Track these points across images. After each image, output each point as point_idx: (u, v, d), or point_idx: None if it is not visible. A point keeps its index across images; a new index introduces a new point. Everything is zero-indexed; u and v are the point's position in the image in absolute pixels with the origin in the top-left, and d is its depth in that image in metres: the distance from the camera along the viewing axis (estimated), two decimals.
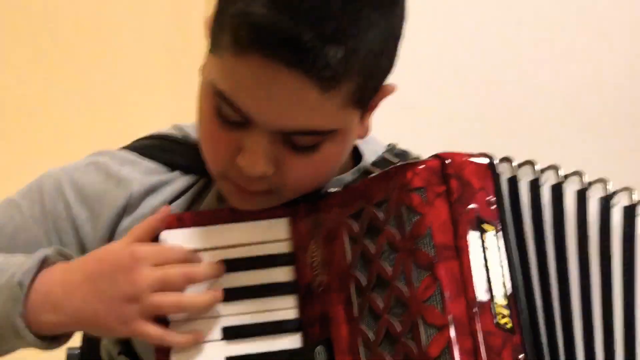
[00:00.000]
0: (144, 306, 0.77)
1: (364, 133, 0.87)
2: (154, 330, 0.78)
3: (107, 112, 1.76)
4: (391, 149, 0.97)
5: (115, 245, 0.81)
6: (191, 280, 0.79)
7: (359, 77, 0.75)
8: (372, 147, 0.95)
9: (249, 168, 0.77)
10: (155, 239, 0.83)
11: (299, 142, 0.78)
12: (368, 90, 0.79)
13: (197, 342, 0.80)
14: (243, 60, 0.74)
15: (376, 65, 0.78)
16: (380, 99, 0.85)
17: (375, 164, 0.91)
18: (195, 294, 0.80)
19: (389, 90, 0.84)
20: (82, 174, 0.90)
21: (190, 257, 0.81)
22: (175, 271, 0.78)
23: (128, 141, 0.96)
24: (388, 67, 0.81)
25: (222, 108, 0.78)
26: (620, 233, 0.79)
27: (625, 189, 0.81)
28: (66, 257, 0.83)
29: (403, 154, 0.95)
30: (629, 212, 0.80)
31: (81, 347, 1.07)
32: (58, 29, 1.72)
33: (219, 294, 0.80)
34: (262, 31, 0.72)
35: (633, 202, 0.81)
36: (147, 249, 0.79)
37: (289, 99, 0.74)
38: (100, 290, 0.77)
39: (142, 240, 0.80)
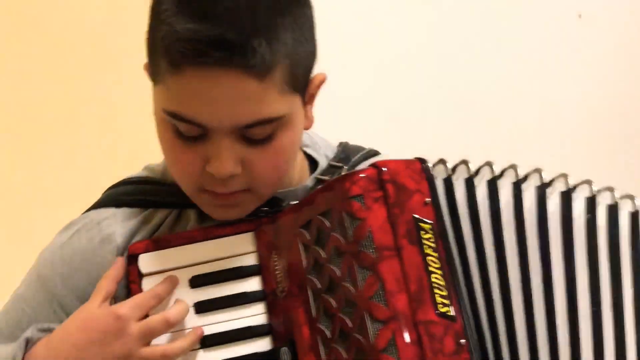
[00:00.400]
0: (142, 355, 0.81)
1: (309, 124, 0.90)
2: None
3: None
4: (340, 150, 0.99)
5: (93, 311, 0.82)
6: (171, 325, 0.81)
7: (286, 61, 0.79)
8: (324, 151, 0.98)
9: (219, 171, 0.80)
10: (135, 261, 0.86)
11: (255, 135, 0.81)
12: (299, 74, 0.83)
13: None
14: (182, 76, 0.78)
15: (298, 50, 0.81)
16: (315, 88, 0.89)
17: (323, 173, 0.94)
18: (179, 341, 0.82)
19: (320, 79, 0.88)
20: (69, 247, 0.91)
21: (164, 293, 0.84)
22: (157, 320, 0.81)
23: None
24: (311, 52, 0.85)
25: (179, 128, 0.81)
26: (559, 219, 0.81)
27: (562, 175, 0.83)
28: (47, 330, 0.85)
29: (351, 155, 0.97)
30: (566, 198, 0.81)
31: None
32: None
33: (200, 331, 0.83)
34: (190, 43, 0.76)
35: (569, 188, 0.82)
36: (128, 307, 0.81)
37: (232, 97, 0.78)
38: (92, 358, 0.80)
39: (110, 293, 0.83)
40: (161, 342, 0.83)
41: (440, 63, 2.31)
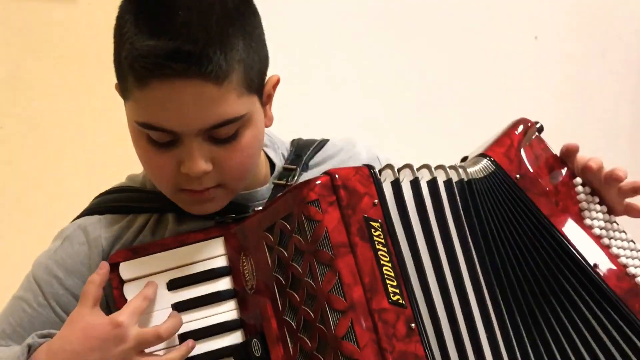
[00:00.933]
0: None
1: (269, 122, 0.93)
2: None
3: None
4: (292, 151, 1.02)
5: (90, 319, 0.82)
6: (163, 340, 0.83)
7: (240, 66, 0.82)
8: (281, 150, 1.01)
9: (192, 170, 0.83)
10: (116, 269, 0.87)
11: (221, 134, 0.84)
12: (253, 76, 0.86)
13: None
14: (147, 89, 0.81)
15: (250, 55, 0.84)
16: (271, 88, 0.92)
17: (279, 177, 0.97)
18: (173, 352, 0.84)
19: (275, 80, 0.92)
20: (62, 252, 0.93)
21: (152, 294, 0.85)
22: (151, 333, 0.82)
23: None
24: (263, 56, 0.88)
25: (151, 136, 0.84)
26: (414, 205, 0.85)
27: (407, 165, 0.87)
28: (48, 336, 0.86)
29: (302, 153, 1.00)
30: (414, 185, 0.85)
31: None
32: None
33: (192, 343, 0.84)
34: (150, 58, 0.79)
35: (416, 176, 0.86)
36: (126, 314, 0.82)
37: (196, 102, 0.81)
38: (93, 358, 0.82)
39: (98, 298, 0.84)
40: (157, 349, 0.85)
41: (420, 80, 2.35)
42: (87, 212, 0.96)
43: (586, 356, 0.86)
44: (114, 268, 0.88)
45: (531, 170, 0.89)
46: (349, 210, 0.79)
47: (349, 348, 0.75)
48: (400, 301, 0.77)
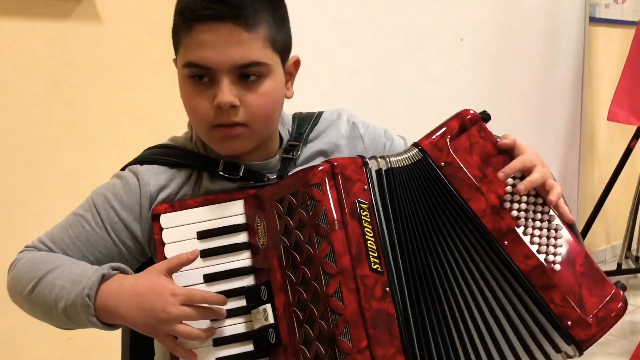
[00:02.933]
0: (169, 329, 0.84)
1: (290, 94, 0.97)
2: (169, 343, 0.85)
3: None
4: (294, 128, 1.02)
5: (160, 280, 0.85)
6: (199, 319, 0.85)
7: (267, 24, 0.88)
8: (286, 126, 1.03)
9: (222, 100, 0.87)
10: (157, 219, 0.90)
11: (249, 73, 0.88)
12: (277, 40, 0.90)
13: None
14: (193, 32, 0.86)
15: (276, 23, 0.90)
16: (292, 65, 0.97)
17: (285, 151, 0.99)
18: (202, 330, 0.85)
19: (295, 59, 0.97)
20: (119, 189, 0.94)
21: (189, 262, 0.87)
22: (193, 312, 0.84)
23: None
24: (286, 31, 0.93)
25: (193, 75, 0.88)
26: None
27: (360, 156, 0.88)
28: (119, 269, 0.88)
29: (302, 128, 1.02)
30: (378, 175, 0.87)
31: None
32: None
33: (213, 331, 0.86)
34: (196, 7, 0.85)
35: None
36: (183, 292, 0.84)
37: (228, 42, 0.86)
38: (143, 308, 0.84)
39: (174, 269, 0.86)
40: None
41: (369, 75, 2.40)
42: (138, 161, 0.97)
43: (490, 319, 0.85)
44: (156, 218, 0.90)
45: (457, 158, 0.87)
46: (344, 193, 0.83)
47: (336, 304, 0.79)
48: (379, 269, 0.81)
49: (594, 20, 3.39)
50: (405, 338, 0.80)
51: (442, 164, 0.87)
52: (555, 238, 0.86)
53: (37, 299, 0.89)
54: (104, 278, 0.85)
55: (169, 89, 1.90)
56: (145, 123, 1.85)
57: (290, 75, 0.96)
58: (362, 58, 2.36)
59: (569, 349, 0.84)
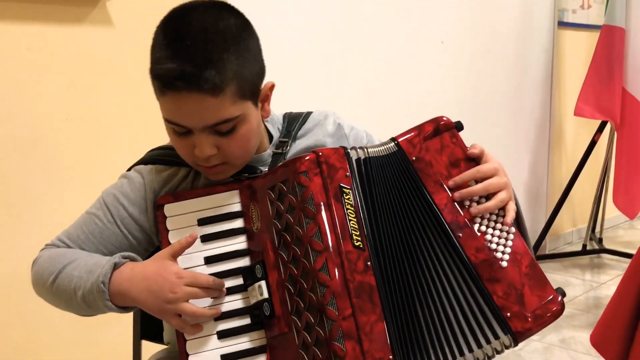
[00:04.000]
0: (175, 309, 0.84)
1: (266, 114, 0.94)
2: (176, 322, 0.85)
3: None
4: (284, 126, 1.01)
5: (167, 264, 0.85)
6: (203, 297, 0.85)
7: (234, 82, 0.84)
8: (276, 125, 1.02)
9: (201, 154, 0.87)
10: (162, 208, 0.91)
11: (222, 129, 0.86)
12: (246, 87, 0.87)
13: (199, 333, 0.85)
14: (165, 97, 0.86)
15: (243, 72, 0.85)
16: (267, 90, 0.93)
17: (276, 147, 0.98)
18: (206, 309, 0.85)
19: (269, 85, 0.93)
20: (126, 187, 0.95)
21: (188, 245, 0.87)
22: (198, 292, 0.85)
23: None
24: (257, 71, 0.89)
25: (173, 127, 0.88)
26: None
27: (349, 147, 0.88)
28: (129, 258, 0.89)
29: (291, 126, 1.01)
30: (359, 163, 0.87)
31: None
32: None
33: (219, 310, 0.86)
34: (165, 77, 0.83)
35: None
36: (187, 274, 0.85)
37: (199, 108, 0.84)
38: (152, 290, 0.84)
39: (178, 253, 0.86)
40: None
41: (357, 75, 2.39)
42: (142, 161, 0.98)
43: (443, 297, 0.84)
44: (160, 208, 0.90)
45: (427, 155, 0.87)
46: (328, 180, 0.84)
47: (324, 278, 0.80)
48: (361, 246, 0.82)
49: (562, 24, 3.39)
50: (385, 306, 0.80)
51: (414, 158, 0.87)
52: (506, 239, 0.86)
53: (58, 290, 0.90)
54: (115, 266, 0.86)
55: None
56: (154, 120, 1.84)
57: (266, 97, 0.94)
58: (350, 59, 2.37)
59: (506, 339, 0.83)
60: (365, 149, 0.87)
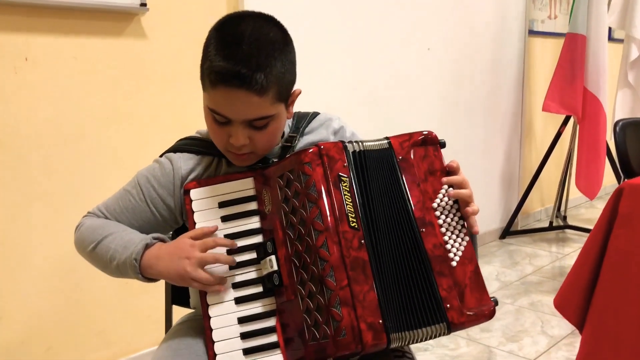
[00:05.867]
0: (193, 275, 0.84)
1: (290, 116, 0.93)
2: (197, 285, 0.84)
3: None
4: (294, 123, 1.00)
5: (184, 238, 0.86)
6: (216, 261, 0.85)
7: (276, 87, 0.84)
8: (288, 123, 1.00)
9: (236, 142, 0.86)
10: (188, 193, 0.89)
11: (258, 124, 0.86)
12: (284, 93, 0.87)
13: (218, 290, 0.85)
14: (216, 91, 0.83)
15: (283, 79, 0.85)
16: (294, 98, 0.92)
17: (286, 140, 0.97)
18: (218, 277, 0.84)
19: (297, 93, 0.92)
20: (157, 171, 0.94)
21: (210, 232, 0.86)
22: (209, 256, 0.84)
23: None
24: (291, 80, 0.88)
25: (214, 116, 0.86)
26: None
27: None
28: (159, 239, 0.89)
29: (299, 123, 0.99)
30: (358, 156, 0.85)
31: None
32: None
33: (226, 281, 0.85)
34: (221, 74, 0.81)
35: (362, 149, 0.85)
36: (196, 242, 0.85)
37: (244, 104, 0.83)
38: (173, 261, 0.85)
39: (199, 237, 0.86)
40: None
41: (352, 78, 2.35)
42: (172, 149, 0.97)
43: (410, 279, 0.83)
44: (187, 192, 0.90)
45: (412, 158, 0.87)
46: (329, 169, 0.82)
47: (324, 254, 0.79)
48: (356, 227, 0.81)
49: (532, 32, 3.36)
50: (376, 278, 0.80)
51: (400, 157, 0.87)
52: (460, 244, 0.86)
53: (96, 256, 0.91)
54: (147, 246, 0.87)
55: (200, 91, 1.91)
56: (181, 118, 1.86)
57: (292, 103, 0.93)
58: (346, 65, 2.35)
59: (441, 326, 0.81)
60: (361, 143, 0.86)
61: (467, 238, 0.87)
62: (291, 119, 1.01)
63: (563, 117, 3.21)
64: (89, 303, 1.73)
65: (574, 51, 2.95)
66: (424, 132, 0.90)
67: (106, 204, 0.95)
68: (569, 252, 3.08)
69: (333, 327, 0.77)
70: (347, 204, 0.81)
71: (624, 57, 3.16)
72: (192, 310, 1.08)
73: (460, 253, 0.85)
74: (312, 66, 2.19)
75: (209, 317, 0.85)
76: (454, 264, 0.84)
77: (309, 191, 0.82)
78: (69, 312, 1.70)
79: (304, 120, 1.01)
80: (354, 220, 0.81)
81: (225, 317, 0.86)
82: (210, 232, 0.87)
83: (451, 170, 0.89)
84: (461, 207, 0.88)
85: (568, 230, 3.47)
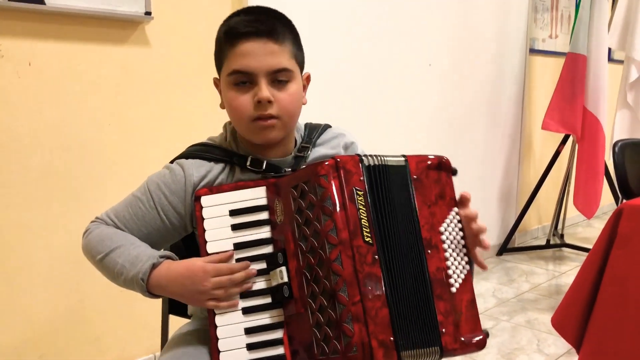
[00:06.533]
0: (208, 296, 0.84)
1: (305, 102, 0.97)
2: (211, 304, 0.85)
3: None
4: (306, 133, 1.01)
5: (197, 262, 0.85)
6: (232, 284, 0.84)
7: (290, 43, 0.90)
8: (300, 132, 1.02)
9: (262, 96, 0.88)
10: (199, 199, 0.88)
11: (280, 77, 0.89)
12: (299, 56, 0.92)
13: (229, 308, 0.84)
14: (237, 47, 0.88)
15: (297, 43, 0.92)
16: (306, 80, 0.96)
17: (299, 150, 0.98)
18: (231, 292, 0.84)
19: (308, 75, 0.97)
20: (168, 178, 0.93)
21: (232, 268, 0.85)
22: (224, 280, 0.84)
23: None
24: (303, 55, 0.94)
25: (237, 82, 0.89)
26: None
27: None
28: (167, 257, 0.88)
29: (312, 138, 1.00)
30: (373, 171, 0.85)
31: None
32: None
33: (237, 302, 0.85)
34: (239, 26, 0.88)
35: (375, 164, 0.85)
36: (211, 267, 0.84)
37: (265, 52, 0.88)
38: (185, 286, 0.85)
39: (212, 260, 0.86)
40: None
41: (357, 93, 2.37)
42: (183, 155, 0.96)
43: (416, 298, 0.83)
44: (198, 199, 0.89)
45: (425, 179, 0.88)
46: (345, 183, 0.81)
47: (337, 268, 0.78)
48: (370, 241, 0.80)
49: (533, 51, 3.41)
50: (388, 293, 0.80)
51: (415, 177, 0.87)
52: (461, 272, 0.87)
53: (104, 268, 0.91)
54: (154, 266, 0.87)
55: (202, 99, 1.92)
56: (184, 126, 1.86)
57: (304, 87, 0.96)
58: (346, 79, 2.36)
59: (434, 349, 0.82)
60: (378, 157, 0.86)
61: (467, 267, 0.88)
62: (303, 130, 1.02)
63: (562, 135, 3.25)
64: (84, 310, 1.73)
65: (575, 71, 3.00)
66: (440, 157, 0.90)
67: (115, 210, 0.95)
68: (565, 271, 3.10)
69: (344, 343, 0.76)
70: (362, 219, 0.81)
71: (624, 78, 3.21)
72: (189, 320, 1.08)
73: (460, 281, 0.86)
74: (311, 79, 2.22)
75: (216, 326, 0.85)
76: (453, 290, 0.85)
77: (324, 204, 0.81)
78: (63, 319, 1.69)
79: (315, 131, 1.02)
80: (369, 235, 0.80)
81: (232, 327, 0.85)
82: (226, 259, 0.86)
83: (463, 201, 0.90)
84: (468, 226, 0.89)
85: (565, 249, 3.49)
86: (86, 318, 1.73)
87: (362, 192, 0.82)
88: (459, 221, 0.89)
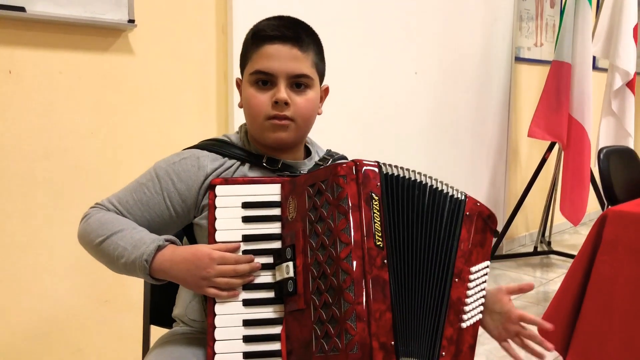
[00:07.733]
0: (210, 283, 0.84)
1: (320, 112, 0.99)
2: (212, 292, 0.84)
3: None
4: (327, 153, 1.06)
5: (203, 248, 0.85)
6: (236, 274, 0.84)
7: (314, 53, 0.93)
8: (317, 149, 1.05)
9: (280, 97, 0.90)
10: (214, 189, 0.88)
11: (299, 82, 0.92)
12: (319, 67, 0.95)
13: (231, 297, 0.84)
14: (262, 49, 0.91)
15: (320, 54, 0.95)
16: (324, 92, 0.99)
17: (321, 160, 1.01)
18: (235, 279, 0.84)
19: (326, 87, 1.00)
20: (179, 166, 0.93)
21: (237, 259, 0.85)
22: (228, 269, 0.84)
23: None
24: (324, 66, 0.97)
25: (258, 80, 0.91)
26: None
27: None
28: (171, 241, 0.88)
29: (333, 155, 1.04)
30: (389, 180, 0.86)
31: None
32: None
33: (238, 293, 0.85)
34: (267, 30, 0.91)
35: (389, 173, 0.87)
36: (217, 254, 0.84)
37: (287, 56, 0.90)
38: (189, 270, 0.85)
39: (219, 248, 0.86)
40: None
41: (346, 100, 2.39)
42: (198, 146, 0.97)
43: (426, 310, 0.86)
44: (212, 187, 0.89)
45: (475, 219, 0.92)
46: (362, 186, 0.83)
47: (346, 266, 0.79)
48: (381, 245, 0.81)
49: (518, 59, 3.47)
50: (394, 299, 0.80)
51: (467, 213, 0.92)
52: (473, 317, 0.91)
53: (102, 251, 0.89)
54: (159, 248, 0.87)
55: (185, 107, 1.92)
56: (165, 134, 1.86)
57: (321, 98, 0.98)
58: (332, 87, 2.40)
59: None
60: (399, 168, 0.88)
61: (479, 317, 0.92)
62: (324, 150, 1.06)
63: (548, 143, 3.29)
64: (65, 320, 1.71)
65: (560, 78, 3.05)
66: (492, 212, 0.96)
67: (117, 197, 0.94)
68: (553, 278, 3.13)
69: (345, 341, 0.76)
70: (375, 222, 0.82)
71: (608, 85, 3.28)
72: (170, 329, 1.07)
73: (470, 323, 0.90)
74: None
75: (214, 315, 0.84)
76: (463, 325, 0.88)
77: (340, 203, 0.82)
78: (44, 330, 1.68)
79: (336, 154, 1.06)
80: (380, 239, 0.81)
81: (230, 317, 0.85)
82: (233, 249, 0.86)
83: (523, 289, 0.95)
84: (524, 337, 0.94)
85: (552, 256, 3.53)
86: (65, 329, 1.71)
87: (378, 198, 0.83)
88: (485, 274, 0.93)
